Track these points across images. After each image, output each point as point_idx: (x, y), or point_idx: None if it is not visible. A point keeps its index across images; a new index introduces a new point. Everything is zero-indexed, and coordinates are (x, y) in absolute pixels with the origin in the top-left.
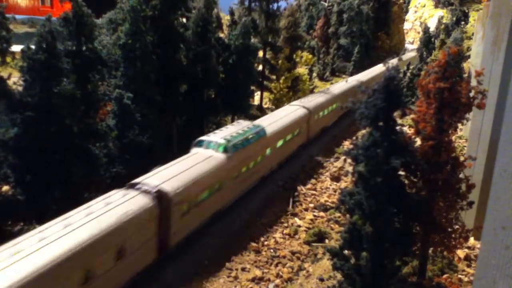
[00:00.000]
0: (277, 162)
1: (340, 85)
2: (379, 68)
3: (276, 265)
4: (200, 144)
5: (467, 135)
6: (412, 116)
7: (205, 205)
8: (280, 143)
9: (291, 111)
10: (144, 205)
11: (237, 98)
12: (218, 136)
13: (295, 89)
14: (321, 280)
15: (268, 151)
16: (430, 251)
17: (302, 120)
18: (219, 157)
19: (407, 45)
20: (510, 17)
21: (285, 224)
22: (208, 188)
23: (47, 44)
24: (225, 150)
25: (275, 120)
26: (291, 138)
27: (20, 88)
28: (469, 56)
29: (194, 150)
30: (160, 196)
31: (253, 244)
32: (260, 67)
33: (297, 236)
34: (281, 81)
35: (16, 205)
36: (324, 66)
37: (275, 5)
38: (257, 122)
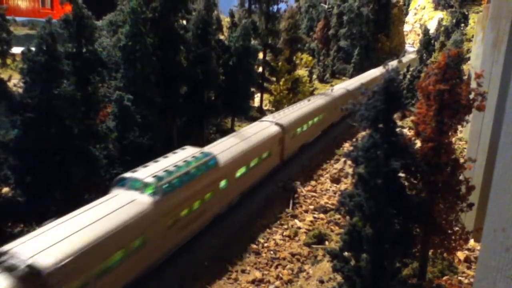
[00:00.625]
0: (238, 194)
1: (324, 95)
2: (369, 75)
3: (276, 267)
4: (122, 183)
5: (467, 137)
6: (412, 118)
7: (116, 275)
8: (241, 171)
9: (260, 130)
10: None
11: (237, 100)
12: (148, 171)
13: (295, 91)
14: (321, 282)
15: (222, 183)
16: (430, 253)
17: (274, 140)
18: (145, 202)
19: (408, 48)
20: (510, 19)
21: (285, 226)
22: (119, 249)
23: (48, 46)
24: (155, 192)
25: (234, 144)
26: (258, 163)
27: (20, 90)
28: (469, 58)
29: (114, 191)
30: (28, 279)
31: (253, 246)
32: (260, 69)
33: (297, 238)
34: (281, 83)
35: (16, 207)
36: (324, 68)
37: (275, 7)
38: (209, 148)
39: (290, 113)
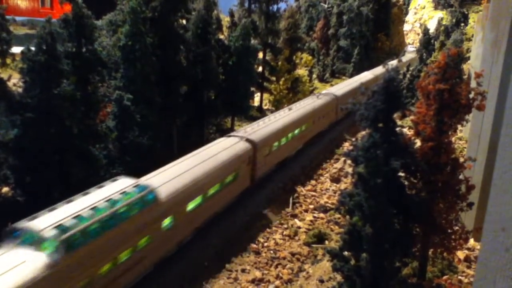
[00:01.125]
0: (191, 231)
1: (309, 102)
2: (360, 79)
3: (276, 267)
4: (15, 235)
5: (467, 136)
6: (412, 117)
7: None
8: (195, 202)
9: (223, 149)
10: None
11: (237, 99)
12: (51, 218)
13: (295, 91)
14: (321, 281)
15: (166, 222)
16: (430, 252)
17: (241, 159)
18: (38, 264)
19: (409, 48)
20: (510, 19)
21: (285, 225)
22: None
23: (47, 46)
24: (56, 249)
25: (186, 170)
26: (220, 190)
27: (20, 90)
28: (468, 58)
29: (3, 248)
30: None
31: (253, 245)
32: (260, 69)
33: (297, 237)
34: (281, 82)
35: (16, 206)
36: (324, 67)
37: (275, 7)
38: (149, 178)
39: (266, 126)
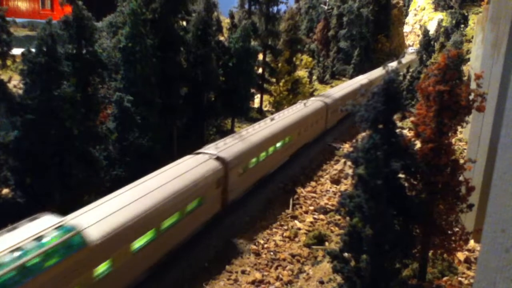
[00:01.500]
0: (140, 272)
1: (294, 111)
2: (353, 83)
3: (276, 268)
4: None
5: (467, 138)
6: (412, 118)
7: None
8: (143, 239)
9: (186, 170)
10: None
11: (237, 101)
12: None
13: (295, 92)
14: (321, 282)
15: (101, 269)
16: (430, 254)
17: (208, 182)
18: None
19: (410, 50)
20: (510, 20)
21: (285, 227)
22: None
23: (48, 47)
24: None
25: (132, 201)
26: (179, 220)
27: (20, 91)
28: (468, 59)
29: None
30: None
31: (253, 247)
32: (260, 70)
33: (297, 239)
34: (281, 84)
35: (16, 208)
36: (324, 69)
37: (275, 8)
38: (79, 215)
39: (242, 140)
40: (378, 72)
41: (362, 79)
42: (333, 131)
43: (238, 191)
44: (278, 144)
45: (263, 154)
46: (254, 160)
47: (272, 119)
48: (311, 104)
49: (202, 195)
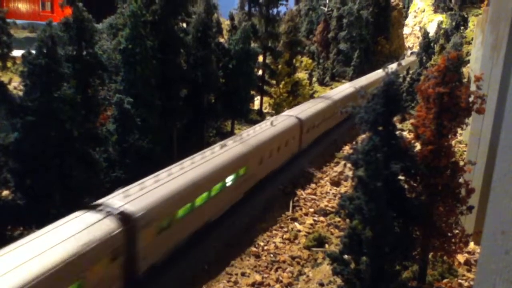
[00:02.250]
0: None
1: (256, 132)
2: (336, 93)
3: (276, 270)
4: None
5: (467, 140)
6: (411, 121)
7: None
8: None
9: (63, 239)
10: None
11: (237, 103)
12: None
13: (295, 94)
14: (321, 285)
15: None
16: (430, 256)
17: (92, 257)
18: None
19: (409, 52)
20: (509, 22)
21: (285, 229)
22: None
23: (48, 49)
24: None
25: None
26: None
27: (20, 93)
28: (468, 61)
29: None
30: None
31: (253, 249)
32: (260, 72)
33: (297, 241)
34: (281, 86)
35: (16, 210)
36: (324, 71)
37: (275, 10)
38: None
39: (170, 180)
40: (365, 80)
41: (346, 88)
42: (310, 151)
43: (153, 258)
44: (229, 179)
45: (202, 197)
46: (187, 206)
47: (222, 146)
48: (281, 122)
49: (80, 279)
